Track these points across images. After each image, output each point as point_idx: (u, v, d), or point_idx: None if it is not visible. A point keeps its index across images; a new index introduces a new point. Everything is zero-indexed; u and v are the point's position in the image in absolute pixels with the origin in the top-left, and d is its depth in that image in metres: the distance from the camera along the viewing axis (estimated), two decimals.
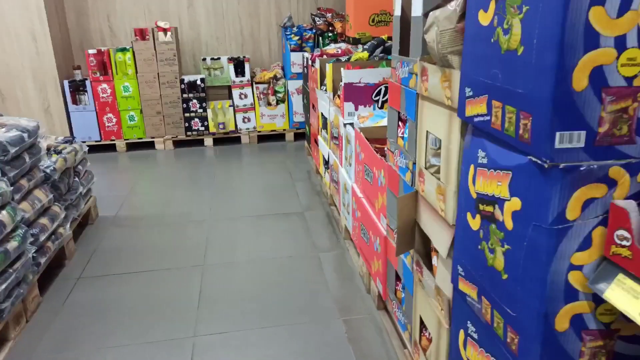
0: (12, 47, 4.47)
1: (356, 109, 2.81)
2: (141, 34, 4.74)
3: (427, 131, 1.44)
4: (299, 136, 5.26)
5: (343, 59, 3.34)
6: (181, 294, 2.45)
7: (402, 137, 1.73)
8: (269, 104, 5.12)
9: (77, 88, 4.72)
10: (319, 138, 3.71)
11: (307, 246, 2.92)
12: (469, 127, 1.17)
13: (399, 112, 1.74)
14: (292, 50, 4.95)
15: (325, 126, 3.52)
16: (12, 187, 2.15)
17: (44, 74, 4.59)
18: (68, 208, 2.81)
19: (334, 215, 3.29)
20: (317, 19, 5.06)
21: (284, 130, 5.20)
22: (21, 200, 2.27)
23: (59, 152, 2.77)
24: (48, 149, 2.77)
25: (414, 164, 1.56)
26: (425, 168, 1.46)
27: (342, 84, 2.89)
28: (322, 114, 3.54)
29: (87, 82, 4.69)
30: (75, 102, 4.73)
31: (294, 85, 5.07)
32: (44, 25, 4.45)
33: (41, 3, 4.39)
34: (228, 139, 5.19)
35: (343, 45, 4.23)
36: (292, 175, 4.20)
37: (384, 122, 2.55)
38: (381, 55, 3.21)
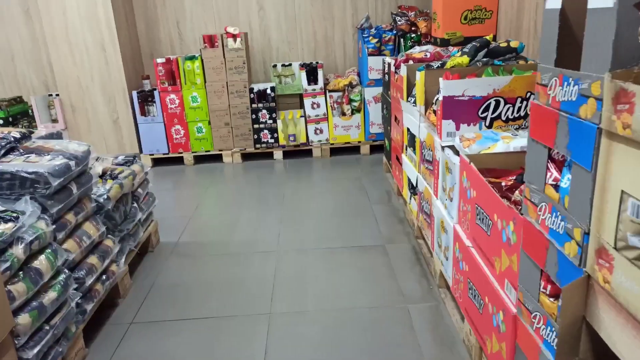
0: (82, 59, 4.36)
1: (457, 129, 2.27)
2: (210, 40, 4.47)
3: (622, 191, 0.90)
4: (375, 149, 4.76)
5: (435, 64, 2.80)
6: (243, 355, 2.04)
7: (555, 187, 1.19)
8: (343, 113, 4.67)
9: (146, 99, 4.54)
10: (403, 157, 3.19)
11: (392, 293, 2.42)
12: None
13: (549, 149, 1.20)
14: (370, 55, 4.47)
15: (412, 144, 3.00)
16: (54, 226, 1.85)
17: (113, 85, 4.45)
18: (124, 239, 2.52)
19: (422, 251, 2.76)
20: (398, 18, 4.54)
21: (359, 142, 4.73)
22: (66, 239, 1.97)
23: (114, 177, 2.48)
24: (103, 174, 2.48)
25: (587, 234, 1.02)
26: (617, 248, 0.92)
27: (438, 96, 2.37)
28: (408, 129, 3.02)
29: (156, 93, 4.50)
30: (143, 113, 4.55)
31: (371, 93, 4.57)
32: (113, 35, 4.30)
33: (110, 13, 4.24)
34: (299, 152, 4.80)
35: (430, 48, 3.68)
36: (369, 195, 3.72)
37: (498, 147, 1.99)
38: (485, 60, 2.64)
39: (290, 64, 4.85)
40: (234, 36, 4.41)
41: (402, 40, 4.46)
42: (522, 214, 1.36)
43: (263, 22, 4.90)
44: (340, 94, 4.65)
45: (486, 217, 1.69)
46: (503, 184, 1.81)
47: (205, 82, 4.49)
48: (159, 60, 4.44)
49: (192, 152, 4.67)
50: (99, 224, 2.22)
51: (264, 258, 2.86)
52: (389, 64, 3.64)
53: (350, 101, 4.65)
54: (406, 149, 3.15)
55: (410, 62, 3.28)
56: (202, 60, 4.45)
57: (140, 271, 2.76)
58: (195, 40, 4.90)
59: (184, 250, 3.01)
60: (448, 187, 2.19)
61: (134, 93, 4.47)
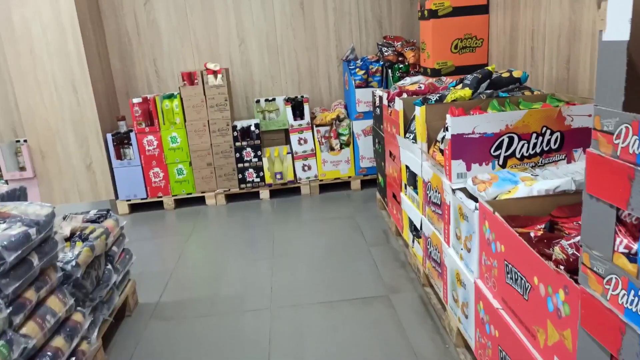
0: (51, 99, 4.08)
1: (468, 169, 2.05)
2: (189, 78, 4.24)
3: None
4: (366, 184, 4.53)
5: (433, 97, 2.61)
6: None
7: (629, 256, 0.96)
8: (332, 148, 4.45)
9: (121, 141, 4.26)
10: (402, 196, 2.97)
11: (404, 354, 2.14)
12: None
13: (618, 210, 0.97)
14: (357, 87, 4.29)
15: (413, 183, 2.78)
16: (10, 308, 1.55)
17: (85, 127, 4.16)
18: (97, 309, 2.20)
19: (431, 302, 2.50)
20: (384, 49, 4.40)
21: (350, 177, 4.50)
22: (25, 321, 1.66)
23: (85, 239, 2.18)
24: (72, 235, 2.19)
25: None
26: None
27: (444, 134, 2.16)
28: (407, 167, 2.81)
29: (132, 134, 4.22)
30: (119, 156, 4.26)
31: (360, 126, 4.38)
32: (85, 73, 4.04)
33: (81, 48, 3.99)
34: (286, 190, 4.55)
35: (422, 79, 3.52)
36: (364, 235, 3.47)
37: (519, 190, 1.77)
38: (488, 92, 2.46)
39: (274, 99, 4.65)
40: (215, 72, 4.20)
41: (389, 71, 4.30)
42: (578, 283, 1.13)
43: (244, 56, 4.71)
44: (327, 128, 4.45)
45: (521, 278, 1.45)
46: (532, 234, 1.59)
47: (185, 121, 4.24)
48: (135, 100, 4.18)
49: (173, 196, 4.38)
50: (66, 296, 1.91)
51: (256, 317, 2.56)
52: (380, 97, 3.45)
53: (338, 135, 4.45)
54: (405, 188, 2.92)
55: (404, 94, 3.09)
56: (181, 99, 4.22)
57: (116, 342, 2.43)
58: (173, 76, 4.67)
59: (165, 312, 2.69)
60: (463, 236, 1.96)
61: (109, 135, 4.19)
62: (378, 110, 3.62)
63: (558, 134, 2.03)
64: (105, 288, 2.28)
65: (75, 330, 1.90)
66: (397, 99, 2.95)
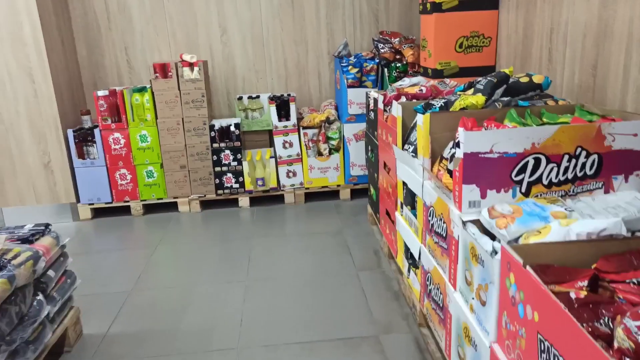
0: (3, 89, 3.61)
1: (483, 196, 1.65)
2: (162, 70, 3.80)
3: None
4: (357, 193, 4.13)
5: (437, 103, 2.20)
6: None
7: None
8: (320, 153, 4.04)
9: (84, 138, 3.80)
10: (397, 215, 2.57)
11: None
12: None
13: None
14: (350, 86, 3.88)
15: (411, 203, 2.38)
16: None
17: (43, 121, 3.70)
18: (17, 353, 1.77)
19: (429, 348, 2.10)
20: (380, 45, 3.99)
21: (339, 186, 4.09)
22: None
23: (3, 266, 1.74)
24: None
25: None
26: None
27: (454, 151, 1.76)
28: (404, 184, 2.40)
29: (96, 131, 3.77)
30: (81, 155, 3.81)
31: (352, 129, 3.97)
32: (43, 61, 3.58)
33: (39, 34, 3.53)
34: (268, 198, 4.13)
35: (423, 80, 3.11)
36: (353, 256, 3.07)
37: (552, 232, 1.38)
38: (505, 99, 2.06)
39: (258, 96, 4.22)
40: (191, 65, 3.76)
41: (385, 70, 3.89)
42: None
43: (226, 48, 4.27)
44: (316, 131, 4.03)
45: None
46: (572, 295, 1.19)
47: (156, 118, 3.80)
48: (100, 93, 3.73)
49: (141, 201, 3.94)
50: None
51: (222, 359, 2.14)
52: (375, 100, 3.04)
53: (327, 139, 4.03)
54: (402, 207, 2.52)
55: (403, 98, 2.68)
56: (152, 93, 3.77)
57: None
58: (147, 68, 4.21)
59: (113, 348, 2.26)
60: (476, 283, 1.56)
61: (70, 132, 3.73)
62: (372, 114, 3.21)
63: (595, 156, 1.63)
64: (31, 326, 1.85)
65: None
66: (394, 103, 2.54)
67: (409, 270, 2.45)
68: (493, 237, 1.56)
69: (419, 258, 2.19)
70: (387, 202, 2.87)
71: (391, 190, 2.73)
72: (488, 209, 1.58)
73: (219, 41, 4.25)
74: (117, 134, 3.79)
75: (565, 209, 1.49)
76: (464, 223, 1.64)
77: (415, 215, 2.26)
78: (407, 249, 2.46)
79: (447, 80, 3.00)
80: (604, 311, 1.13)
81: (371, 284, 2.73)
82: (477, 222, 1.63)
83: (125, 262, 3.20)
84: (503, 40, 3.21)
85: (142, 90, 3.81)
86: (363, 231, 3.46)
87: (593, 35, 2.27)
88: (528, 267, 1.20)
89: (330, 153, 4.03)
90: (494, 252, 1.44)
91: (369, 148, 3.40)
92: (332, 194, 4.15)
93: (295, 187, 4.06)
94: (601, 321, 1.11)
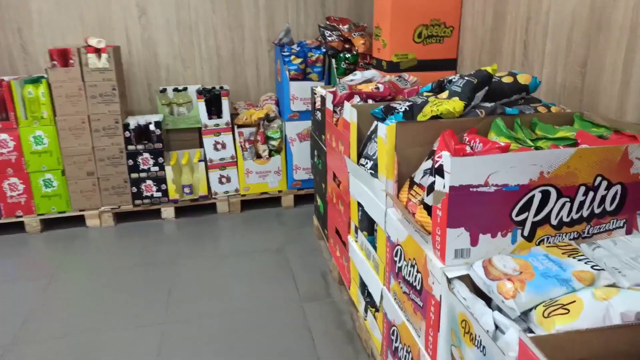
0: None
1: (474, 243, 1.21)
2: (62, 57, 3.09)
3: None
4: (301, 199, 3.64)
5: (400, 107, 1.73)
6: None
7: None
8: (259, 156, 3.50)
9: None
10: (352, 242, 2.10)
11: None
12: None
13: None
14: (293, 79, 3.36)
15: (367, 228, 1.91)
16: None
17: None
18: None
19: None
20: (327, 33, 3.48)
21: (280, 192, 3.58)
22: None
23: None
24: None
25: None
26: None
27: (433, 179, 1.30)
28: (360, 205, 1.93)
29: None
30: None
31: (295, 128, 3.47)
32: None
33: None
34: (197, 208, 3.54)
35: (377, 75, 2.66)
36: (297, 282, 2.58)
37: (586, 308, 0.95)
38: (489, 106, 1.63)
39: (185, 88, 3.61)
40: (98, 51, 3.08)
41: (333, 61, 3.40)
42: None
43: (146, 32, 3.60)
44: (253, 130, 3.48)
45: None
46: None
47: (55, 115, 3.10)
48: None
49: (38, 215, 3.23)
50: None
51: None
52: (323, 98, 2.54)
53: (267, 139, 3.50)
54: (356, 232, 2.05)
55: (356, 98, 2.21)
56: (49, 85, 3.06)
57: None
58: (46, 54, 3.47)
59: None
60: None
61: None
62: (319, 114, 2.72)
63: (618, 187, 1.23)
64: None
65: None
66: (347, 104, 2.06)
67: (365, 310, 2.00)
68: (488, 301, 1.12)
69: (381, 302, 1.74)
70: (338, 220, 2.40)
71: (343, 208, 2.25)
72: (483, 265, 1.14)
73: (137, 23, 3.57)
74: (3, 135, 3.05)
75: (593, 267, 1.07)
76: (449, 281, 1.18)
77: (374, 247, 1.80)
78: (363, 284, 2.00)
79: (406, 76, 2.56)
80: None
81: (319, 319, 2.25)
82: (465, 279, 1.19)
83: (5, 302, 2.52)
84: (467, 31, 2.80)
85: (36, 81, 3.08)
86: (309, 247, 2.98)
87: (583, 26, 1.89)
88: None
89: (270, 155, 3.50)
90: (497, 328, 1.00)
91: (316, 153, 2.91)
92: (273, 200, 3.63)
93: (229, 195, 3.50)
94: None
